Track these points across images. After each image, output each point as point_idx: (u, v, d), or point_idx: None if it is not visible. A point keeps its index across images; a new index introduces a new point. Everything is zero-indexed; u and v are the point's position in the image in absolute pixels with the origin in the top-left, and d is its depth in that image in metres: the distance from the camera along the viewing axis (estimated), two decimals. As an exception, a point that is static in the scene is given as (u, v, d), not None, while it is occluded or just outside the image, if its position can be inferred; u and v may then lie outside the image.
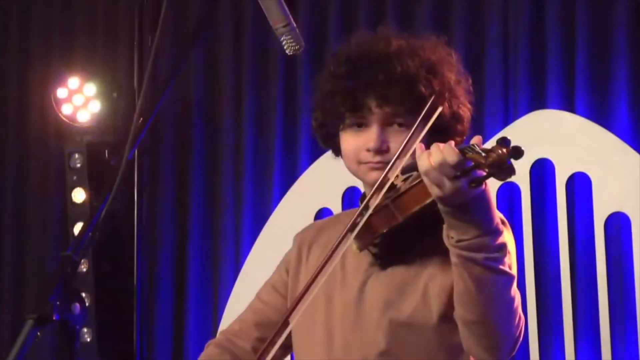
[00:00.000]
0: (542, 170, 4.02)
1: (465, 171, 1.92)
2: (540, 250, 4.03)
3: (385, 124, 2.23)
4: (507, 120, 4.13)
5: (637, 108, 3.94)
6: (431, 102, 2.18)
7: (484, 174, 1.89)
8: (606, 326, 3.89)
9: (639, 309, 3.85)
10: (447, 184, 1.96)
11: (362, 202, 2.27)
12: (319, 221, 2.50)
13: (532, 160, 4.02)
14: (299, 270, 2.38)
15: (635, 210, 3.88)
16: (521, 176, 4.00)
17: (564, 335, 3.95)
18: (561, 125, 4.01)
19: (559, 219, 3.99)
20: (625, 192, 3.90)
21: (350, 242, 2.17)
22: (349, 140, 2.27)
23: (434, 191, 1.98)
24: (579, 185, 4.00)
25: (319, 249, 2.35)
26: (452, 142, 1.99)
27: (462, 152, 1.94)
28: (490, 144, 1.92)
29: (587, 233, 3.96)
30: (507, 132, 4.04)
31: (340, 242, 2.13)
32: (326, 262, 2.13)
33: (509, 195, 4.05)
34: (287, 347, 2.35)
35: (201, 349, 2.47)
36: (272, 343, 2.18)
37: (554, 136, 4.00)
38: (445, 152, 1.95)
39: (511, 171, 1.87)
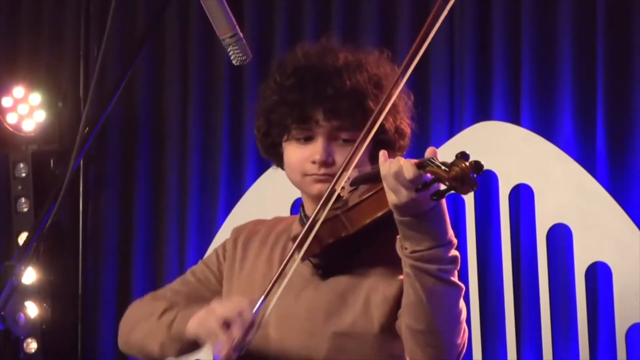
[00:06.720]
0: (486, 182, 4.04)
1: (426, 184, 1.93)
2: (484, 260, 4.05)
3: (330, 138, 2.25)
4: (452, 131, 4.16)
5: (580, 120, 3.97)
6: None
7: (446, 187, 1.90)
8: (548, 335, 3.93)
9: (580, 319, 3.89)
10: (404, 192, 1.98)
11: (303, 211, 2.30)
12: (259, 220, 2.48)
13: (476, 172, 4.03)
14: (233, 265, 2.38)
15: (576, 221, 3.92)
16: (465, 187, 4.01)
17: (507, 344, 3.98)
18: (504, 136, 4.03)
19: (502, 230, 4.02)
20: (566, 204, 3.93)
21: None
22: (294, 151, 2.28)
23: (391, 198, 2.00)
24: (522, 196, 4.03)
25: (255, 248, 2.36)
26: (401, 158, 2.00)
27: (422, 165, 1.95)
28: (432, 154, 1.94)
29: (530, 244, 3.99)
30: (452, 143, 4.07)
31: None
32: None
33: (453, 206, 4.07)
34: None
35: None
36: None
37: (498, 148, 4.02)
38: (404, 165, 1.97)
39: (474, 184, 1.88)
